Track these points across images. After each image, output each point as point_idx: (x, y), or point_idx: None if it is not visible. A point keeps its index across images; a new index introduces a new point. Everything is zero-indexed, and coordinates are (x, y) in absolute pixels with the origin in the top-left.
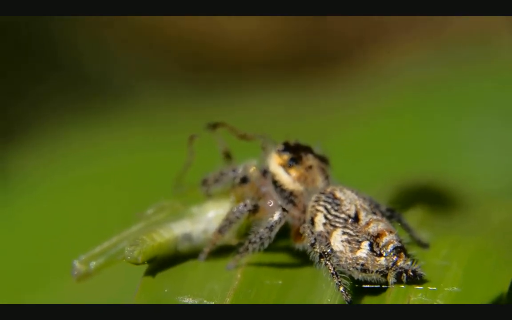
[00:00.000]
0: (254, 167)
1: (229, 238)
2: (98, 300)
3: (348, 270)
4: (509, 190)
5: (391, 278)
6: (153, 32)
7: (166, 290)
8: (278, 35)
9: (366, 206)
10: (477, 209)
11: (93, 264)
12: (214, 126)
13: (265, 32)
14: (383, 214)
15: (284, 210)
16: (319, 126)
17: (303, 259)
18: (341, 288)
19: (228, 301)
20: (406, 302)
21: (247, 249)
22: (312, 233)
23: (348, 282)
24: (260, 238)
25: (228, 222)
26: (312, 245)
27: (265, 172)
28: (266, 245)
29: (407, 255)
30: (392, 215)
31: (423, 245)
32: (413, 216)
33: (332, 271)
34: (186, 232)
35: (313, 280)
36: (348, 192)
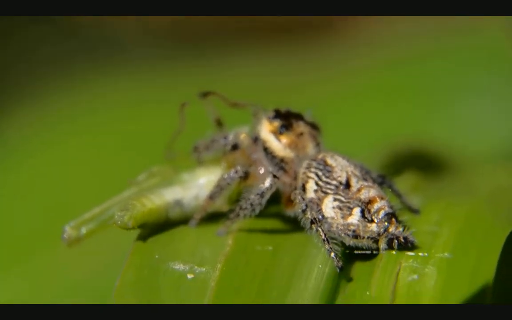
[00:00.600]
0: (245, 134)
1: (220, 204)
2: (89, 267)
3: (340, 236)
4: (500, 155)
5: (382, 244)
6: None
7: (157, 256)
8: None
9: (357, 173)
10: (468, 174)
11: (83, 229)
12: (205, 94)
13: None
14: (374, 181)
15: (274, 176)
16: (309, 95)
17: (294, 225)
18: (332, 254)
19: (219, 267)
20: (396, 268)
21: (238, 215)
22: (303, 199)
23: (339, 248)
24: (251, 205)
25: (219, 188)
26: (303, 211)
27: (256, 140)
28: (257, 211)
29: (399, 222)
30: (383, 181)
31: (414, 211)
32: (404, 182)
33: (323, 237)
34: (177, 198)
35: (304, 246)
36: (339, 159)
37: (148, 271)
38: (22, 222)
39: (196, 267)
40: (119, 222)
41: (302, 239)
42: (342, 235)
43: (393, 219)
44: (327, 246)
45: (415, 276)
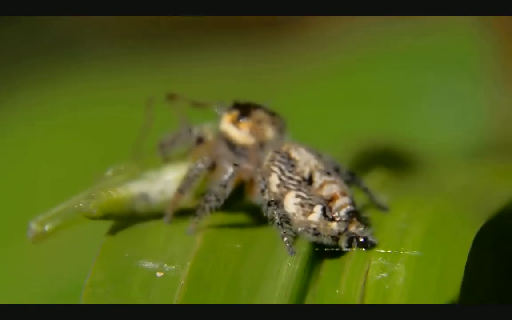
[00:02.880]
0: (209, 129)
1: (188, 200)
2: (56, 265)
3: (300, 233)
4: (462, 152)
5: (342, 243)
6: None
7: (126, 255)
8: None
9: (321, 167)
10: (437, 171)
11: (49, 225)
12: (169, 97)
13: None
14: (341, 176)
15: (235, 165)
16: (274, 86)
17: (264, 221)
18: (285, 239)
19: (188, 265)
20: (366, 266)
21: (203, 209)
22: (264, 179)
23: (293, 234)
24: (215, 196)
25: (188, 180)
26: (262, 191)
27: (219, 134)
28: (221, 202)
29: (360, 220)
30: (352, 179)
31: (383, 209)
32: (372, 179)
33: (277, 221)
34: (142, 191)
35: (274, 244)
36: (304, 152)
37: (117, 269)
38: None
39: (165, 265)
40: (84, 210)
41: (272, 236)
42: (303, 232)
43: (354, 218)
44: (281, 230)
45: (384, 274)
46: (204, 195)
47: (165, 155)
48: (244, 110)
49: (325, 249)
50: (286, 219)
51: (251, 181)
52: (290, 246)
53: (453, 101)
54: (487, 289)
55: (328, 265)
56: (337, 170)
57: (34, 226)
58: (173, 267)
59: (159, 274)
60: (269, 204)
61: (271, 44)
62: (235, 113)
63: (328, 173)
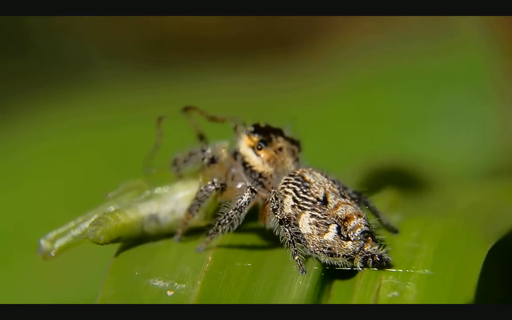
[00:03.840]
0: (224, 149)
1: (199, 219)
2: (66, 283)
3: (315, 253)
4: (477, 171)
5: (358, 263)
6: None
7: (136, 273)
8: (238, 20)
9: (335, 189)
10: (447, 190)
11: (58, 243)
12: (185, 109)
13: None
14: (351, 198)
15: (253, 191)
16: (287, 113)
17: (273, 241)
18: (296, 257)
19: (199, 283)
20: (377, 285)
21: (217, 230)
22: (276, 199)
23: (304, 252)
24: (230, 219)
25: (197, 201)
26: (274, 211)
27: (235, 154)
28: (235, 226)
29: (375, 240)
30: (359, 198)
31: (392, 230)
32: (383, 198)
33: (289, 238)
34: (152, 213)
35: (284, 262)
36: (318, 175)
37: (127, 287)
38: None
39: (176, 283)
40: (91, 237)
41: (282, 255)
42: (318, 252)
43: (369, 238)
44: (292, 248)
45: (395, 293)
46: (218, 217)
47: (178, 173)
48: (264, 135)
49: (336, 268)
50: (297, 238)
51: (264, 208)
52: (301, 264)
53: (463, 121)
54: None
55: (339, 284)
56: (345, 189)
57: (44, 243)
58: (184, 285)
59: (169, 293)
60: (281, 223)
61: (282, 64)
62: (255, 138)
63: (343, 196)
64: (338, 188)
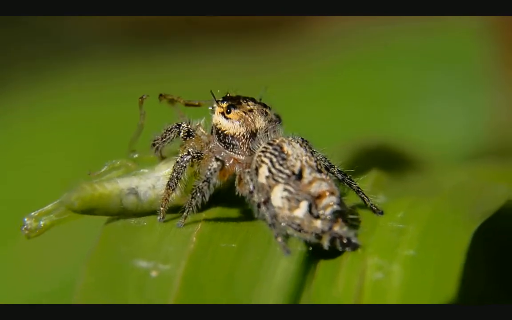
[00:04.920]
0: (199, 123)
1: (180, 196)
2: (51, 264)
3: (284, 227)
4: (465, 153)
5: (325, 242)
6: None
7: (120, 253)
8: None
9: (312, 163)
10: (433, 171)
11: (43, 220)
12: (160, 97)
13: None
14: (333, 174)
15: (217, 159)
16: (272, 85)
17: (259, 221)
18: (279, 239)
19: (183, 264)
20: (362, 265)
21: (190, 204)
22: (252, 180)
23: (286, 233)
24: (200, 191)
25: (175, 173)
26: (251, 193)
27: (212, 130)
28: (207, 197)
29: (345, 221)
30: (343, 178)
31: (376, 211)
32: (368, 178)
33: (270, 221)
34: (132, 186)
35: (268, 243)
36: (297, 146)
37: (112, 268)
38: None
39: (160, 264)
40: (65, 202)
41: (267, 235)
42: (287, 226)
43: (339, 218)
44: (274, 231)
45: (380, 274)
46: (191, 191)
47: (159, 153)
48: (233, 101)
49: (321, 249)
50: (277, 220)
51: (241, 174)
52: (284, 245)
53: (453, 102)
54: (480, 290)
55: (324, 264)
56: (328, 168)
57: (28, 221)
58: (168, 266)
59: (153, 273)
60: (258, 206)
61: (268, 44)
62: (225, 104)
63: (319, 171)
64: (316, 162)
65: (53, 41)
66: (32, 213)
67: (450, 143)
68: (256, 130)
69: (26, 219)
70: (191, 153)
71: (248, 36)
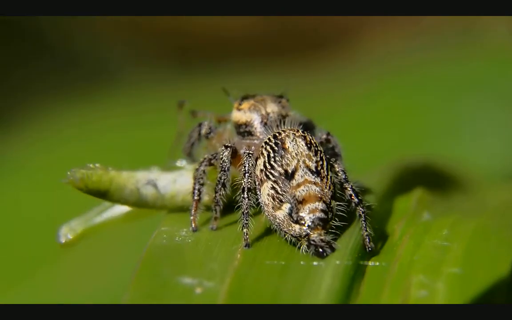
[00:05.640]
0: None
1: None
2: (96, 280)
3: (269, 221)
4: (505, 173)
5: (303, 246)
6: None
7: (166, 269)
8: (267, 25)
9: (310, 164)
10: (476, 190)
11: (78, 228)
12: (180, 105)
13: (254, 19)
14: (337, 177)
15: (226, 147)
16: (313, 108)
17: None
18: (244, 230)
19: (228, 281)
20: (407, 283)
21: (215, 198)
22: (248, 164)
23: (252, 226)
24: (219, 182)
25: (196, 180)
26: (244, 175)
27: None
28: (227, 186)
29: (327, 229)
30: (342, 183)
31: (367, 245)
32: (413, 196)
33: (243, 209)
34: (150, 177)
35: (311, 259)
36: (301, 144)
37: (156, 285)
38: (18, 243)
39: (205, 281)
40: (70, 178)
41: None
42: (270, 221)
43: (319, 226)
44: (243, 219)
45: (425, 292)
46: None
47: (191, 157)
48: (248, 95)
49: (369, 265)
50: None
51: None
52: (247, 239)
53: (490, 126)
54: None
55: (368, 281)
56: (330, 168)
57: (63, 230)
58: (212, 283)
59: (198, 290)
60: (243, 190)
61: (308, 67)
62: (239, 100)
63: (317, 172)
64: (316, 163)
65: (81, 67)
66: (67, 223)
67: (490, 164)
68: (268, 114)
69: (61, 228)
70: (207, 157)
71: (285, 57)
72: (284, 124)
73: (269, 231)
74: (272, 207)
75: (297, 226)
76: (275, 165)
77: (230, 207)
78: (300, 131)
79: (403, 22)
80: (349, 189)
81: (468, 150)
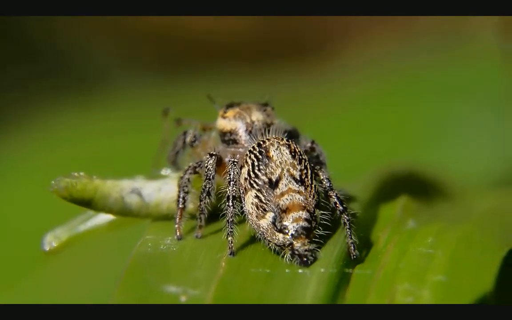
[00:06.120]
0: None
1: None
2: (79, 290)
3: (253, 229)
4: (493, 179)
5: (287, 255)
6: (127, 23)
7: (150, 279)
8: (254, 28)
9: (294, 172)
10: (462, 198)
11: (63, 236)
12: (164, 113)
13: (242, 25)
14: (321, 185)
15: (211, 155)
16: (301, 114)
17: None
18: (229, 238)
19: (212, 289)
20: (392, 290)
21: (200, 206)
22: (233, 173)
23: (237, 235)
24: (204, 190)
25: (180, 190)
26: (229, 183)
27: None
28: (212, 195)
29: (310, 238)
30: (327, 191)
31: (352, 253)
32: (398, 204)
33: (228, 218)
34: (135, 186)
35: (297, 267)
36: (285, 152)
37: (141, 293)
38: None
39: (189, 289)
40: (55, 186)
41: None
42: (254, 230)
43: (303, 235)
44: (228, 228)
45: (410, 299)
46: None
47: (175, 166)
48: (233, 103)
49: (354, 272)
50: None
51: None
52: (231, 246)
53: (479, 132)
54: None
55: (353, 288)
56: (314, 177)
57: (48, 237)
58: (197, 291)
59: (183, 299)
60: (228, 198)
61: (295, 71)
62: (224, 108)
63: (301, 181)
64: (300, 172)
65: (78, 73)
66: (52, 231)
67: (477, 171)
68: (253, 122)
69: (46, 236)
70: (192, 165)
71: (274, 61)
72: (269, 132)
73: (254, 239)
74: (256, 216)
75: (280, 235)
76: (259, 174)
77: (215, 215)
78: (284, 139)
79: (392, 26)
80: (333, 197)
81: (456, 155)
